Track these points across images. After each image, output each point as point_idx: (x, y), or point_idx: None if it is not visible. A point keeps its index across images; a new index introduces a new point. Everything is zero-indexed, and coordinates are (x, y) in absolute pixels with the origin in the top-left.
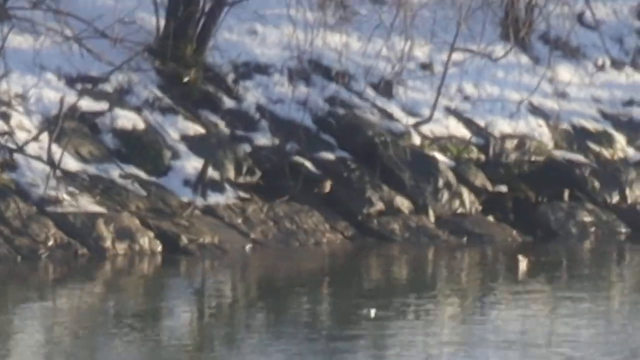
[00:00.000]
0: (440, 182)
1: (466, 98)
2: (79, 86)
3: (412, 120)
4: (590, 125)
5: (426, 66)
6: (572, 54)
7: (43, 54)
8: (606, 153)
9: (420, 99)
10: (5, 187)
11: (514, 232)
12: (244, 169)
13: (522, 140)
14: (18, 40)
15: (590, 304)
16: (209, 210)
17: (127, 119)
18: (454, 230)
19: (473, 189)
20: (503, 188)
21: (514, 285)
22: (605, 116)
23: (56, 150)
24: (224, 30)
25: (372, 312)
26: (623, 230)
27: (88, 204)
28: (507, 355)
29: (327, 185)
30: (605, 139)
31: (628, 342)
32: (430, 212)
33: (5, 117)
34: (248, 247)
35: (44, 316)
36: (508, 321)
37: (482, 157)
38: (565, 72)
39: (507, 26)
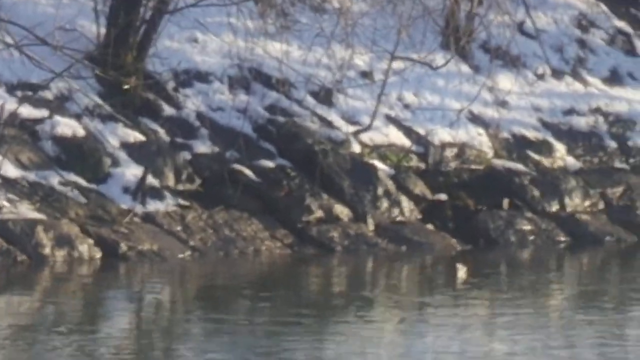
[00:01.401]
0: (380, 190)
1: (406, 106)
2: (19, 93)
3: (352, 129)
4: (530, 134)
5: (366, 74)
6: (513, 62)
7: None
8: (546, 162)
9: (360, 107)
10: None
11: (454, 241)
12: (184, 177)
13: (462, 149)
14: None
15: (529, 313)
16: (148, 218)
17: (67, 126)
18: (393, 239)
19: (413, 197)
20: (443, 196)
21: (452, 293)
22: (545, 125)
23: None
24: (165, 38)
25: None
26: (562, 238)
27: (28, 210)
28: None
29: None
30: (545, 148)
31: (567, 353)
32: (370, 221)
33: None
34: (187, 254)
35: None
36: (446, 330)
37: (422, 165)
38: (505, 81)
39: (447, 35)
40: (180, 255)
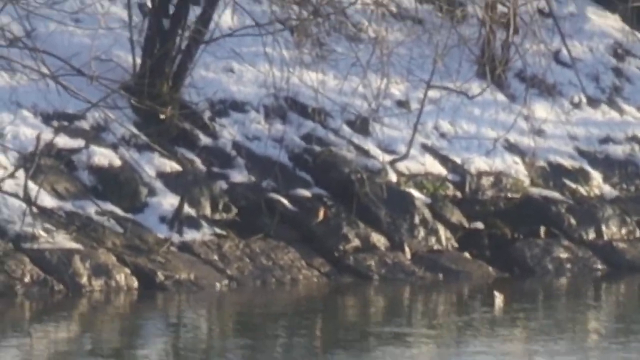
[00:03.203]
0: (417, 219)
1: (442, 135)
2: (55, 123)
3: (388, 158)
4: (567, 163)
5: (402, 103)
6: (548, 91)
7: (19, 91)
8: (582, 190)
9: (396, 136)
10: None
11: (490, 269)
12: (220, 206)
13: (498, 177)
14: None
15: (567, 343)
16: (185, 247)
17: (103, 156)
18: (430, 267)
19: (449, 225)
20: (479, 225)
21: (490, 321)
22: (582, 153)
23: (32, 187)
24: (200, 68)
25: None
26: (599, 266)
27: (64, 240)
28: None
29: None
30: (581, 176)
31: None
32: (407, 249)
33: None
34: (224, 283)
35: (21, 353)
36: (485, 358)
37: (458, 194)
38: (541, 109)
39: (483, 64)
40: (218, 285)
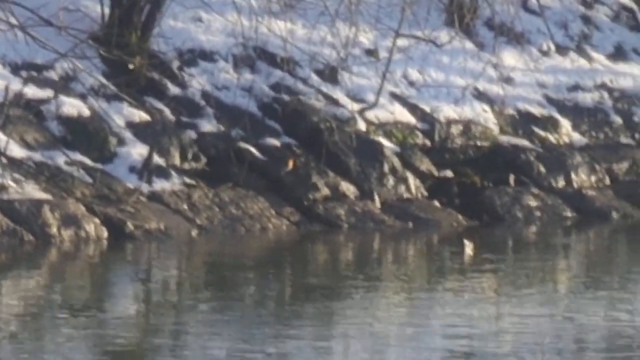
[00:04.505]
0: (386, 168)
1: (411, 84)
2: (24, 74)
3: (357, 106)
4: (536, 111)
5: (371, 52)
6: (517, 39)
7: None
8: (551, 138)
9: (365, 85)
10: None
11: (460, 217)
12: (190, 155)
13: (467, 126)
14: None
15: (537, 289)
16: (154, 197)
17: (72, 106)
18: (399, 216)
19: (419, 174)
20: (449, 173)
21: (459, 269)
22: (551, 101)
23: (1, 137)
24: (169, 18)
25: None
26: (569, 214)
27: (33, 190)
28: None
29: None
30: (550, 124)
31: (574, 330)
32: (376, 198)
33: None
34: (194, 232)
35: None
36: (453, 306)
37: (428, 142)
38: (510, 57)
39: (451, 12)
40: (187, 234)
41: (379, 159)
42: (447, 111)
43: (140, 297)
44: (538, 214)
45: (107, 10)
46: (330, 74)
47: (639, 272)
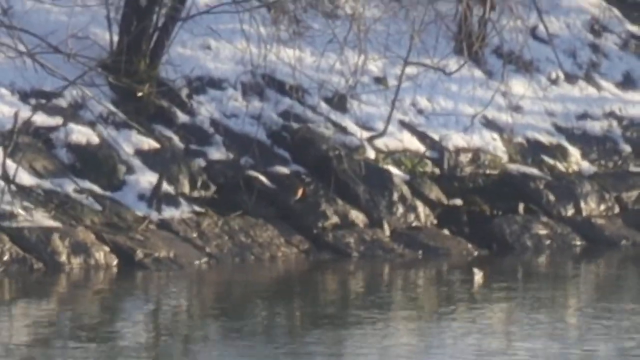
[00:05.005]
0: (395, 196)
1: (420, 112)
2: (33, 101)
3: (366, 134)
4: (545, 139)
5: (380, 80)
6: (526, 67)
7: None
8: (560, 166)
9: (374, 112)
10: None
11: (469, 246)
12: (199, 183)
13: (476, 154)
14: None
15: (547, 318)
16: (164, 225)
17: (81, 134)
18: (409, 244)
19: (428, 202)
20: (458, 201)
21: (469, 298)
22: (559, 129)
23: (11, 165)
24: (177, 45)
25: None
26: (578, 242)
27: (43, 218)
28: None
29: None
30: (559, 152)
31: (583, 358)
32: (385, 226)
33: None
34: (203, 261)
35: (1, 331)
36: (464, 336)
37: (437, 170)
38: (518, 85)
39: (460, 40)
40: (197, 262)
41: (388, 187)
42: (456, 139)
43: (150, 325)
44: (547, 242)
45: (115, 38)
46: (339, 102)
47: None
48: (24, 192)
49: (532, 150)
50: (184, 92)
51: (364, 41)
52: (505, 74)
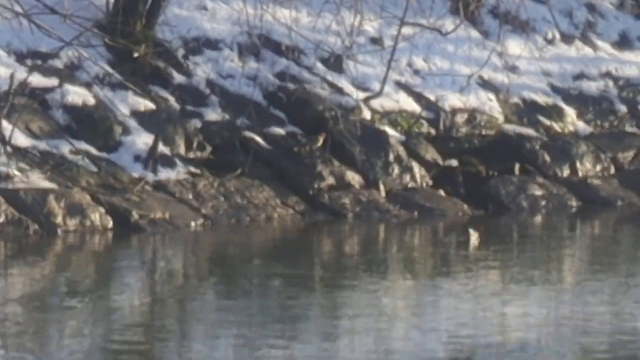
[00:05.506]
0: (391, 156)
1: (416, 72)
2: (29, 62)
3: (362, 95)
4: (541, 99)
5: (376, 40)
6: (522, 27)
7: None
8: (556, 126)
9: (370, 73)
10: None
11: (465, 206)
12: (195, 144)
13: (472, 114)
14: None
15: (542, 278)
16: (159, 186)
17: (77, 95)
18: (404, 205)
19: (424, 163)
20: (454, 162)
21: (464, 259)
22: (555, 90)
23: (6, 126)
24: (174, 6)
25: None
26: (574, 203)
27: (39, 180)
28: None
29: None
30: (555, 113)
31: (579, 321)
32: (381, 187)
33: None
34: (199, 222)
35: None
36: (459, 297)
37: (433, 131)
38: (514, 46)
39: (456, 0)
40: (192, 223)
41: (384, 148)
42: (452, 100)
43: (147, 287)
44: (543, 203)
45: None
46: (335, 63)
47: None
48: (19, 153)
49: (528, 111)
50: (180, 53)
51: (360, 1)
52: (501, 34)
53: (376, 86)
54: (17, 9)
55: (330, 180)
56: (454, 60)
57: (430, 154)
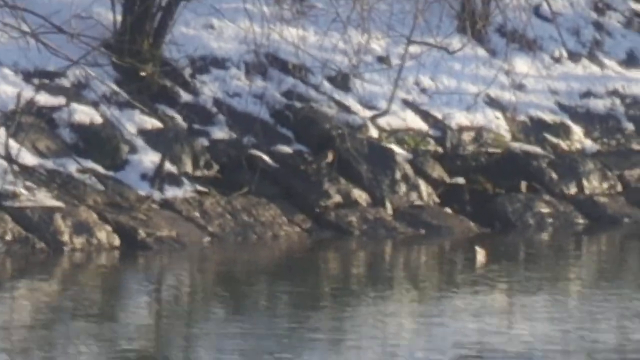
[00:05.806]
0: (398, 174)
1: (423, 91)
2: (36, 81)
3: (369, 113)
4: (548, 117)
5: (383, 59)
6: (529, 46)
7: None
8: (563, 144)
9: (377, 91)
10: None
11: (472, 224)
12: (201, 163)
13: (479, 132)
14: None
15: (549, 296)
16: (166, 204)
17: (84, 114)
18: (411, 223)
19: (430, 180)
20: (460, 180)
21: (471, 277)
22: (563, 108)
23: (13, 145)
24: (181, 25)
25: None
26: (580, 221)
27: (45, 198)
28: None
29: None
30: (562, 131)
31: (585, 337)
32: (388, 205)
33: None
34: (206, 240)
35: (3, 311)
36: (465, 314)
37: (439, 149)
38: (522, 64)
39: (463, 19)
40: (199, 242)
41: (390, 166)
42: (459, 118)
43: (153, 305)
44: (550, 220)
45: (119, 17)
46: (342, 81)
47: None
48: (26, 171)
49: (535, 129)
50: (187, 72)
51: (367, 20)
52: (508, 52)
53: (383, 104)
54: (25, 28)
55: (337, 198)
56: (461, 79)
57: (437, 172)
